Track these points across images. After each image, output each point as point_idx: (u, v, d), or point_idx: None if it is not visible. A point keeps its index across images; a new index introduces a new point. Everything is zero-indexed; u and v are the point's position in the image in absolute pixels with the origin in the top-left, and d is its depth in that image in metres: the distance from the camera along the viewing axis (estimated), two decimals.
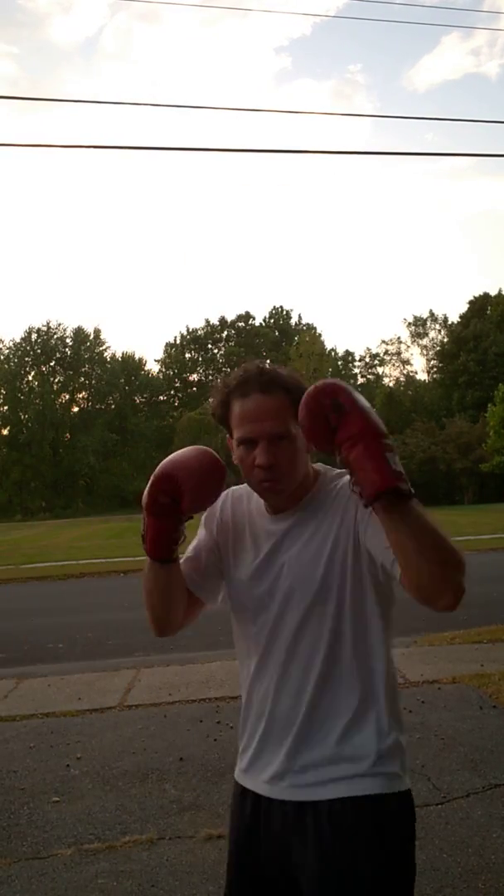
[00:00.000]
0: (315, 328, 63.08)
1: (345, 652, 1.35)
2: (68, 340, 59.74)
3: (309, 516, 1.40)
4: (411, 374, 60.90)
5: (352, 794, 1.31)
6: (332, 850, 1.29)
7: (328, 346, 62.84)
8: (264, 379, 1.36)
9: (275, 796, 1.37)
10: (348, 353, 64.92)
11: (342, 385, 1.20)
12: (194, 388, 65.26)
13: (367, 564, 1.33)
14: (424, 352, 60.43)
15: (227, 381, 1.40)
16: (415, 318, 61.12)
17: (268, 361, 1.45)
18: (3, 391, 57.50)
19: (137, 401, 62.44)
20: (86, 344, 60.18)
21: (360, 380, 63.47)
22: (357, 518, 1.33)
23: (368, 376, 63.61)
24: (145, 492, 1.34)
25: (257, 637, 1.41)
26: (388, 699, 1.38)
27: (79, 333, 59.88)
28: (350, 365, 64.31)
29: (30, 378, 58.99)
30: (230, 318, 66.60)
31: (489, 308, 51.03)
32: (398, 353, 61.73)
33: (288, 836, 1.34)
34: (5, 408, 57.51)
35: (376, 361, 63.26)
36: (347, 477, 1.27)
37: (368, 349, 64.17)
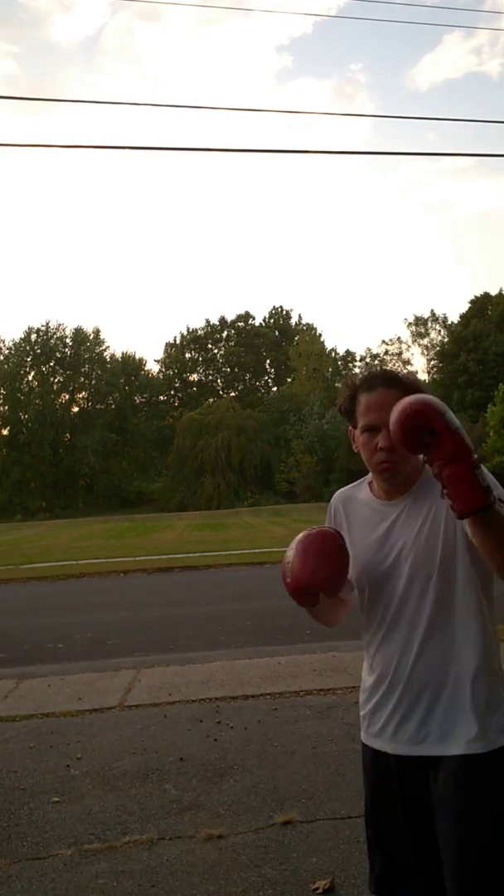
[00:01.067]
0: (315, 328, 63.16)
1: (459, 620, 1.56)
2: (68, 340, 59.73)
3: (419, 500, 1.60)
4: (412, 374, 60.84)
5: (473, 752, 1.53)
6: (463, 788, 1.52)
7: (328, 346, 62.92)
8: (388, 376, 1.61)
9: (411, 753, 1.59)
10: (348, 353, 64.92)
11: (436, 406, 1.30)
12: (194, 388, 65.28)
13: (470, 547, 1.51)
14: (425, 352, 60.46)
15: (353, 378, 1.64)
16: (415, 317, 61.16)
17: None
18: (3, 391, 57.50)
19: (137, 401, 62.45)
20: (86, 344, 60.17)
21: None
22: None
23: None
24: (288, 590, 1.59)
25: (383, 610, 1.63)
26: (498, 661, 1.59)
27: (79, 333, 59.88)
28: (350, 365, 64.24)
29: (30, 378, 58.99)
30: (230, 318, 66.63)
31: (489, 308, 51.02)
32: (399, 353, 61.72)
33: (425, 789, 1.58)
34: (5, 408, 57.52)
35: (376, 361, 63.19)
36: None
37: (369, 349, 64.18)
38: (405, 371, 1.70)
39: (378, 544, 1.63)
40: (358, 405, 1.61)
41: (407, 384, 1.57)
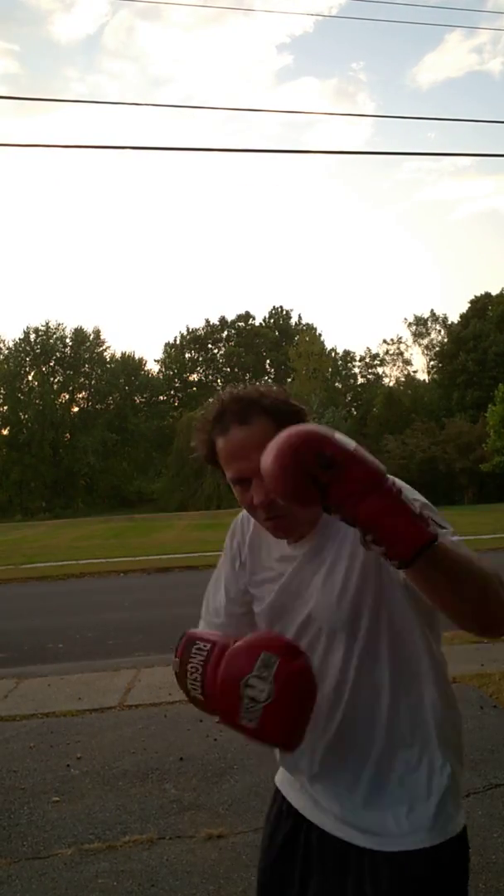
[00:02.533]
0: (315, 328, 63.12)
1: (380, 676, 1.25)
2: (68, 340, 59.73)
3: (328, 539, 1.27)
4: (412, 373, 60.93)
5: (391, 850, 1.21)
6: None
7: (328, 346, 62.90)
8: (239, 408, 1.22)
9: (320, 825, 1.32)
10: (348, 353, 64.93)
11: (323, 432, 0.96)
12: (194, 388, 65.27)
13: (401, 586, 1.20)
14: (426, 352, 60.48)
15: (205, 417, 1.28)
16: (416, 317, 61.17)
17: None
18: (3, 391, 57.49)
19: (137, 401, 62.43)
20: (85, 344, 60.17)
21: (361, 380, 63.49)
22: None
23: (368, 376, 63.61)
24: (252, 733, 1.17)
25: None
26: (439, 726, 1.26)
27: (78, 333, 59.89)
28: (350, 365, 64.29)
29: (30, 378, 58.97)
30: (230, 318, 66.62)
31: (490, 308, 51.04)
32: (399, 353, 61.75)
33: (335, 874, 1.28)
34: (5, 408, 57.49)
35: (377, 361, 63.27)
36: None
37: (369, 349, 64.21)
38: (276, 388, 1.27)
39: (281, 593, 1.33)
40: (217, 453, 1.26)
41: (269, 410, 1.21)
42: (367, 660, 1.24)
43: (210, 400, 1.32)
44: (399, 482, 1.03)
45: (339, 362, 63.86)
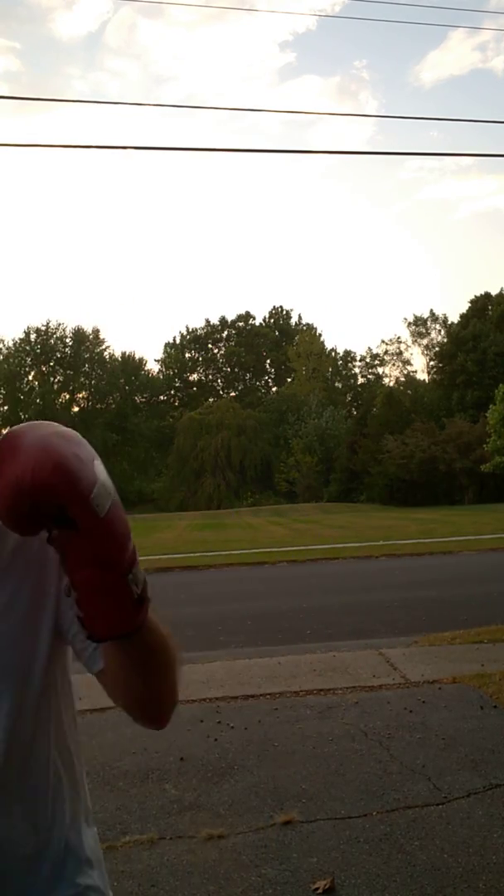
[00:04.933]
0: (315, 328, 63.18)
1: (25, 743, 0.98)
2: (68, 340, 59.78)
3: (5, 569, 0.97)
4: (412, 373, 60.96)
5: None
6: None
7: (328, 346, 62.94)
8: None
9: None
10: (348, 353, 64.96)
11: (75, 481, 0.73)
12: (194, 388, 65.31)
13: (53, 637, 0.99)
14: (426, 352, 60.51)
15: None
16: (415, 317, 61.19)
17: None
18: (3, 391, 57.52)
19: (137, 401, 62.48)
20: (86, 344, 60.22)
21: (361, 380, 63.52)
22: (59, 588, 0.98)
23: (368, 376, 63.64)
24: None
25: None
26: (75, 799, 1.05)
27: (78, 333, 59.93)
28: (350, 365, 64.33)
29: (30, 378, 59.05)
30: (230, 318, 66.67)
31: (490, 308, 51.05)
32: (399, 353, 61.78)
33: None
34: (5, 408, 57.54)
35: (377, 361, 63.30)
36: None
37: (369, 349, 64.25)
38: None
39: None
40: None
41: None
42: (14, 724, 0.97)
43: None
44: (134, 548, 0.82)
45: (339, 362, 63.88)
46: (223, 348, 66.32)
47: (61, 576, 0.91)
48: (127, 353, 62.30)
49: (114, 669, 0.91)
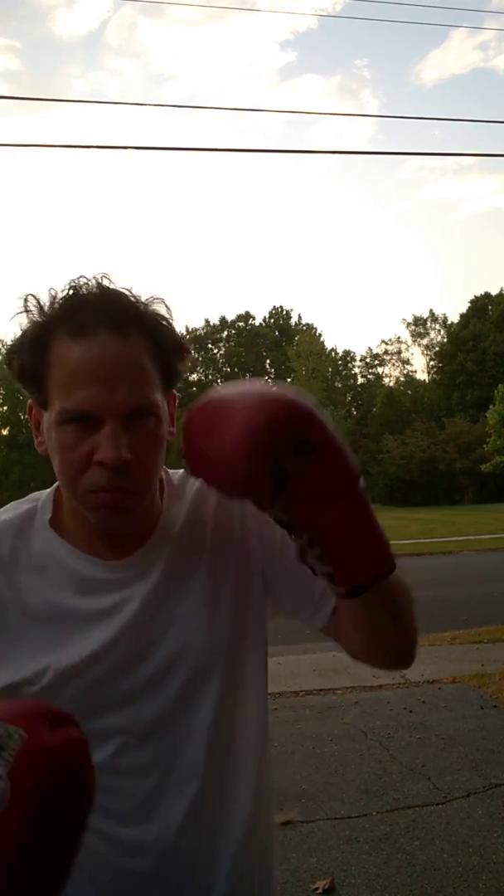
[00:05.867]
0: (315, 328, 63.18)
1: (237, 735, 0.90)
2: None
3: (173, 553, 0.87)
4: (411, 373, 60.99)
5: None
6: None
7: (328, 346, 62.96)
8: (115, 309, 0.78)
9: None
10: (348, 353, 64.99)
11: (306, 406, 0.70)
12: (194, 388, 65.29)
13: (262, 609, 0.93)
14: (426, 352, 60.53)
15: (40, 303, 0.80)
16: (415, 318, 61.21)
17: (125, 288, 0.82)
18: (2, 391, 57.57)
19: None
20: None
21: (360, 380, 63.54)
22: (262, 550, 0.91)
23: (368, 376, 63.66)
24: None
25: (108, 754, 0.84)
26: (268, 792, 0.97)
27: None
28: (350, 365, 64.36)
29: None
30: (230, 318, 66.72)
31: (490, 308, 51.08)
32: (398, 353, 61.79)
33: None
34: (5, 408, 57.60)
35: (376, 362, 63.33)
36: (197, 481, 0.88)
37: (369, 349, 64.28)
38: (136, 295, 0.81)
39: (104, 648, 0.83)
40: (50, 362, 0.78)
41: (148, 326, 0.80)
42: (219, 720, 0.88)
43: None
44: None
45: (339, 362, 63.91)
46: (223, 348, 66.38)
47: (273, 543, 0.89)
48: None
49: (358, 618, 0.83)
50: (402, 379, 60.25)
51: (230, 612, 0.88)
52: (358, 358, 64.64)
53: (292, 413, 0.68)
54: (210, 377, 66.80)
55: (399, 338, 62.79)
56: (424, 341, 60.84)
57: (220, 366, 66.69)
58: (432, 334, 60.47)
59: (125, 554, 0.86)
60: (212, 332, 66.73)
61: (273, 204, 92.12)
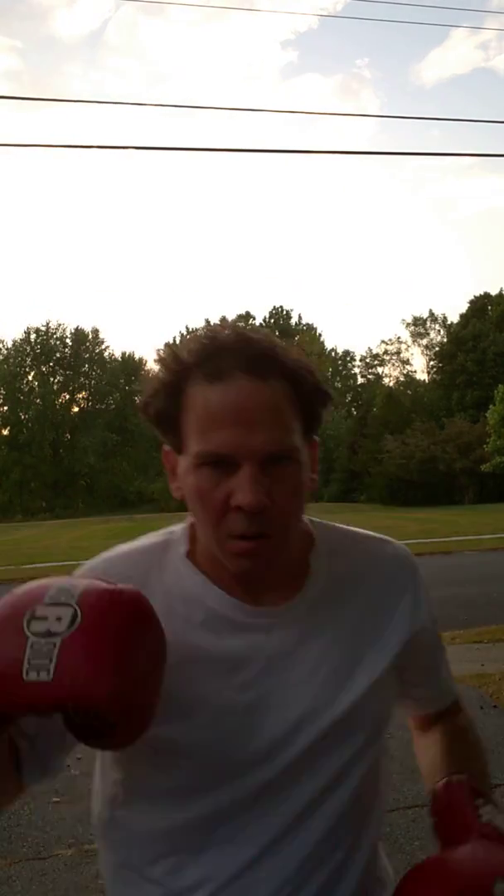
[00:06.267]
0: (315, 328, 63.19)
1: (363, 816, 0.96)
2: (68, 340, 59.81)
3: (321, 609, 0.85)
4: (411, 373, 61.01)
5: None
6: None
7: (328, 346, 62.96)
8: (253, 353, 0.76)
9: None
10: (348, 353, 64.99)
11: None
12: None
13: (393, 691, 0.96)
14: (426, 352, 60.53)
15: (177, 352, 0.80)
16: (414, 318, 61.23)
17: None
18: (3, 391, 57.57)
19: (137, 401, 62.35)
20: (85, 344, 60.25)
21: (361, 380, 63.55)
22: (410, 635, 0.94)
23: (368, 376, 63.66)
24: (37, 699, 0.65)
25: (222, 804, 0.82)
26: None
27: (78, 333, 59.95)
28: (350, 365, 64.36)
29: (30, 378, 59.05)
30: (230, 318, 66.70)
31: (490, 308, 51.08)
32: (398, 353, 61.80)
33: None
34: (5, 408, 57.58)
35: (376, 362, 63.33)
36: (362, 542, 0.94)
37: (369, 349, 64.28)
38: (282, 343, 0.81)
39: (240, 700, 0.82)
40: (186, 407, 0.79)
41: (291, 371, 0.78)
42: (355, 791, 0.92)
43: (185, 337, 0.88)
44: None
45: (339, 362, 63.90)
46: None
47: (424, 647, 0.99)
48: (127, 353, 62.34)
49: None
50: (401, 379, 60.30)
51: (365, 684, 0.86)
52: (358, 358, 64.67)
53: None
54: None
55: (399, 338, 62.80)
56: (424, 341, 60.87)
57: None
58: (432, 334, 60.51)
59: (262, 603, 0.84)
60: None
61: (273, 204, 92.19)
